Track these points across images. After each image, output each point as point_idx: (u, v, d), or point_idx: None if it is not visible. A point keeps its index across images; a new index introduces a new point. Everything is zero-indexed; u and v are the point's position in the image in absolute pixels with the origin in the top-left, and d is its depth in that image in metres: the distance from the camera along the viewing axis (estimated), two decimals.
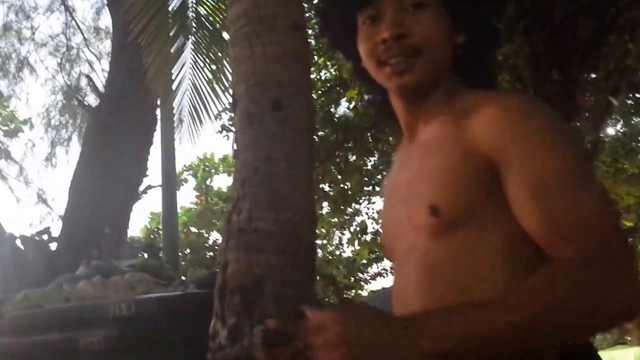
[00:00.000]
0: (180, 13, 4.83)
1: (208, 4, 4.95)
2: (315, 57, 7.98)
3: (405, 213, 0.98)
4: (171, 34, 4.79)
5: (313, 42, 6.58)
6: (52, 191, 30.95)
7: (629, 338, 18.83)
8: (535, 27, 4.98)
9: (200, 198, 18.80)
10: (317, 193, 9.61)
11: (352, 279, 16.35)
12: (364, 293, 16.17)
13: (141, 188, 6.97)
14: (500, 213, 0.88)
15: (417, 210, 0.94)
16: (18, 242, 4.94)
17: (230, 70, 2.32)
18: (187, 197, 28.64)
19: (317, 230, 2.27)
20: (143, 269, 3.27)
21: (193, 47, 4.95)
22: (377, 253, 13.94)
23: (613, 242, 0.81)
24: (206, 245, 18.45)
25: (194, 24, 4.92)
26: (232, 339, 1.78)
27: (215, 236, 18.46)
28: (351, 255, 15.77)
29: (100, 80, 9.68)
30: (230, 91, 2.37)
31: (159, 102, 5.67)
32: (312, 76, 6.95)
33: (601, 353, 1.09)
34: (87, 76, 9.97)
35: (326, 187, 10.66)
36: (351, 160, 10.04)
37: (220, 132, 9.50)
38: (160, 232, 7.53)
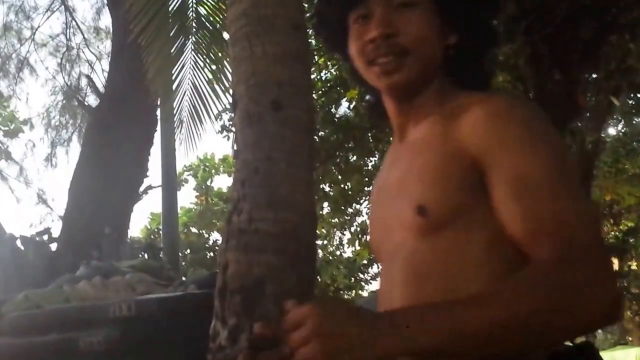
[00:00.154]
0: (181, 13, 4.82)
1: (208, 4, 4.94)
2: (316, 57, 7.97)
3: (394, 212, 0.98)
4: (171, 34, 4.79)
5: (313, 42, 6.57)
6: (52, 191, 31.04)
7: (630, 338, 18.83)
8: (536, 27, 4.98)
9: (201, 198, 18.82)
10: (317, 193, 9.61)
11: (353, 279, 16.36)
12: (365, 294, 16.18)
13: (141, 188, 6.96)
14: (486, 214, 0.89)
15: (406, 210, 0.94)
16: (18, 243, 4.93)
17: (231, 71, 2.31)
18: (187, 197, 28.67)
19: (317, 231, 2.27)
20: (143, 270, 3.27)
21: (193, 47, 4.94)
22: None
23: (590, 243, 0.81)
24: (206, 245, 18.47)
25: (194, 24, 4.91)
26: (233, 339, 1.77)
27: (215, 236, 18.49)
28: (351, 256, 15.78)
29: (100, 81, 9.71)
30: (230, 91, 2.37)
31: (159, 103, 5.67)
32: (313, 76, 6.94)
33: (602, 353, 1.09)
34: (87, 76, 9.98)
35: (327, 188, 10.66)
36: (352, 160, 10.05)
37: (221, 132, 9.51)
38: (161, 232, 7.53)
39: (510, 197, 0.86)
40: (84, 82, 10.53)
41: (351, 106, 8.77)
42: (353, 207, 12.32)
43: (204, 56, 4.94)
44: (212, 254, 17.12)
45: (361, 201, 11.93)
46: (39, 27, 11.76)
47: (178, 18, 4.82)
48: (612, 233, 16.93)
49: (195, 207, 18.91)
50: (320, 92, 8.76)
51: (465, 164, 0.90)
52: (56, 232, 6.18)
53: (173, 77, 4.90)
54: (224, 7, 4.39)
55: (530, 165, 0.86)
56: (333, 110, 9.21)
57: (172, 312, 2.47)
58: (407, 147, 1.02)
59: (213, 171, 19.20)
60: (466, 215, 0.90)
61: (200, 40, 4.94)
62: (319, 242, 14.60)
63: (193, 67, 4.95)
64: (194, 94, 4.99)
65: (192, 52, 4.94)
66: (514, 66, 5.75)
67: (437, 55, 1.01)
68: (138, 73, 5.17)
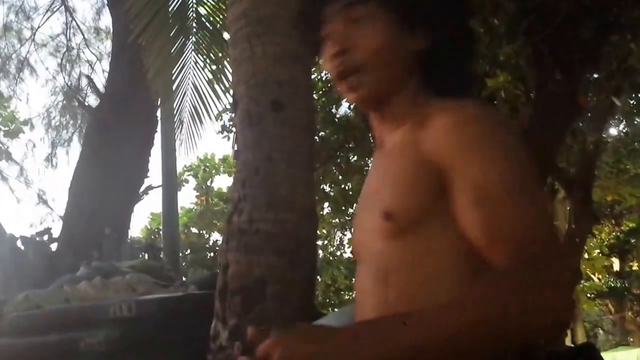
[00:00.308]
0: (181, 13, 4.82)
1: (208, 4, 4.94)
2: (316, 57, 7.96)
3: (368, 218, 1.01)
4: (171, 34, 4.79)
5: None
6: (53, 192, 31.07)
7: (632, 339, 18.83)
8: (537, 27, 4.96)
9: (201, 199, 18.83)
10: (318, 194, 9.61)
11: (353, 280, 16.34)
12: None
13: (142, 189, 6.96)
14: (449, 220, 0.90)
15: (376, 216, 0.96)
16: (18, 243, 4.93)
17: (231, 71, 2.31)
18: (187, 197, 28.70)
19: (317, 231, 2.26)
20: (143, 270, 3.27)
21: (193, 48, 4.94)
22: None
23: (544, 250, 0.83)
24: (207, 246, 18.48)
25: (194, 25, 4.91)
26: (233, 339, 1.77)
27: (215, 237, 18.50)
28: (352, 256, 15.77)
29: (100, 81, 9.70)
30: (231, 91, 2.37)
31: (159, 103, 5.66)
32: (313, 76, 6.94)
33: (603, 354, 1.09)
34: (88, 77, 9.97)
35: (327, 188, 10.67)
36: (352, 160, 10.05)
37: (221, 132, 9.51)
38: (161, 232, 7.52)
39: (470, 206, 0.88)
40: (84, 82, 10.53)
41: (352, 106, 8.76)
42: (354, 208, 12.31)
43: (204, 56, 4.94)
44: (212, 254, 17.13)
45: None
46: (39, 27, 11.76)
47: (178, 18, 4.82)
48: (614, 234, 16.92)
49: (195, 208, 18.92)
50: (320, 92, 8.76)
51: (430, 171, 0.92)
52: (56, 232, 6.18)
53: (173, 78, 4.90)
54: (224, 7, 4.38)
55: (490, 175, 0.88)
56: (333, 110, 9.22)
57: (172, 312, 2.47)
58: (385, 154, 1.05)
59: (213, 171, 19.22)
60: (431, 221, 0.92)
61: (201, 41, 4.94)
62: (319, 242, 14.61)
63: (193, 67, 4.95)
64: (194, 94, 4.99)
65: (193, 53, 4.95)
66: (514, 66, 5.74)
67: (401, 63, 1.02)
68: (138, 73, 5.17)
